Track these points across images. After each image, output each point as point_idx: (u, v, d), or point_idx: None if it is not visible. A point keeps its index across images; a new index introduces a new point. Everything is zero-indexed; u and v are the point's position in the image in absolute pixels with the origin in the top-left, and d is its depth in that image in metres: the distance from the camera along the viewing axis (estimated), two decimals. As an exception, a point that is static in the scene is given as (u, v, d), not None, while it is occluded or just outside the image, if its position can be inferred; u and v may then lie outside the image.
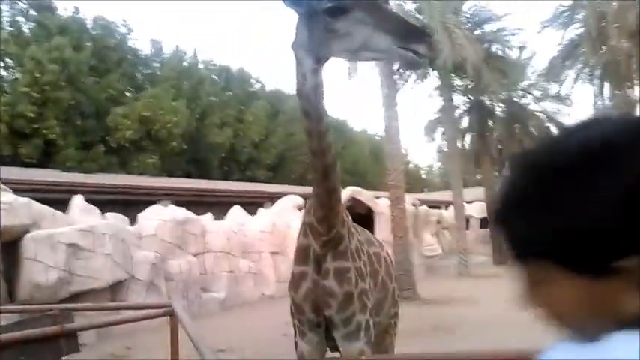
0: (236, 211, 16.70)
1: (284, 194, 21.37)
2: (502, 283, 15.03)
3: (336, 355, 3.25)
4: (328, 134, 2.58)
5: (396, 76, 16.23)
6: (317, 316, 2.89)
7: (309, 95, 2.42)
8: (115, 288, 10.52)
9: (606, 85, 18.57)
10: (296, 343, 3.08)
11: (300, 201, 18.34)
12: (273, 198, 24.46)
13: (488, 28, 19.96)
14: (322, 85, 2.48)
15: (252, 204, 20.30)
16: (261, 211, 17.69)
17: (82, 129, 28.51)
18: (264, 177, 35.97)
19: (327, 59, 2.44)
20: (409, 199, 19.67)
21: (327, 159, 2.58)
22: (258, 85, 42.66)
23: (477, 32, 18.92)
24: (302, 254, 2.91)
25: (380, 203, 18.91)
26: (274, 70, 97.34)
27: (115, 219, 12.08)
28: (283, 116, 39.66)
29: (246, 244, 15.35)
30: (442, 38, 14.19)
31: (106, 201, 14.27)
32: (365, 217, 18.91)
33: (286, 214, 17.36)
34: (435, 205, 28.13)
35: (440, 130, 23.72)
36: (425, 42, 1.99)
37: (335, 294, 2.84)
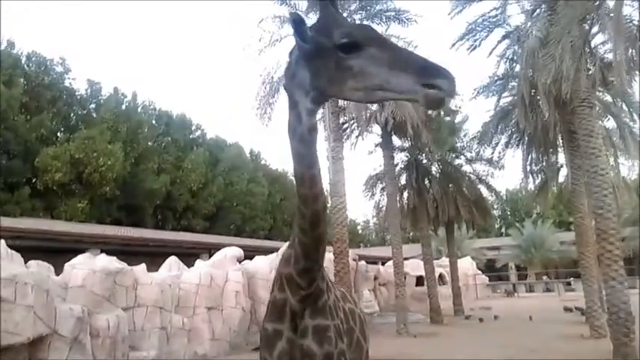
0: (171, 262, 15.91)
1: (222, 245, 20.75)
2: (442, 343, 15.21)
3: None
4: (320, 179, 2.42)
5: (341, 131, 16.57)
6: None
7: (304, 137, 2.28)
8: (36, 344, 9.48)
9: (534, 151, 19.87)
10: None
11: (240, 252, 17.80)
12: (210, 249, 23.69)
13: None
14: (317, 128, 2.36)
15: (188, 255, 19.56)
16: (198, 262, 16.97)
17: (7, 169, 26.65)
18: (201, 227, 34.92)
19: (326, 101, 2.32)
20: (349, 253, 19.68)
21: (318, 205, 2.39)
22: (198, 132, 42.19)
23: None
24: (277, 310, 2.64)
25: (322, 257, 18.74)
26: (216, 118, 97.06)
27: (40, 267, 11.07)
28: (223, 165, 39.22)
29: (181, 298, 14.57)
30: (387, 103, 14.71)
31: (29, 247, 13.22)
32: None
33: (225, 267, 16.73)
34: (372, 261, 28.36)
35: (379, 185, 24.24)
36: (446, 78, 1.85)
37: (314, 355, 2.58)
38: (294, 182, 2.40)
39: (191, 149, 38.00)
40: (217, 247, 19.93)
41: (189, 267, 15.98)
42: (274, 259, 17.99)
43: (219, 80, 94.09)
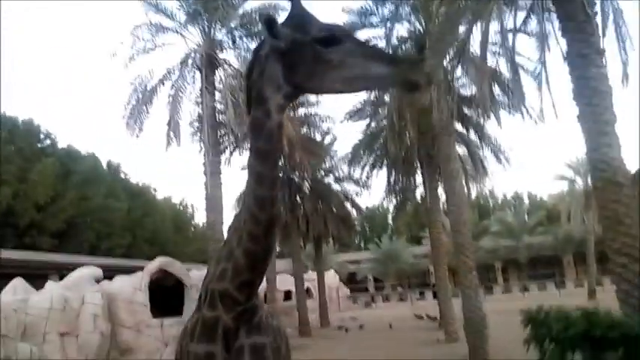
0: (16, 285, 14.08)
1: (75, 265, 18.90)
2: (314, 354, 15.53)
3: None
4: (279, 181, 2.31)
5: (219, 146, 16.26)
6: None
7: (273, 134, 2.17)
8: None
9: (395, 172, 21.52)
10: None
11: (99, 272, 16.39)
12: (61, 269, 21.38)
13: (301, 111, 21.72)
14: (283, 124, 2.27)
15: (34, 276, 17.46)
16: (49, 284, 15.21)
17: None
18: (49, 245, 31.32)
19: (299, 96, 2.28)
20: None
21: (275, 209, 2.27)
22: (48, 141, 38.01)
23: (292, 114, 20.36)
24: (207, 330, 2.43)
25: (192, 275, 17.95)
26: (70, 126, 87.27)
27: None
28: (76, 177, 35.79)
29: (29, 324, 12.93)
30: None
31: None
32: (172, 291, 17.71)
33: (81, 288, 15.25)
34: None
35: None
36: (419, 65, 2.02)
37: None
38: (249, 185, 2.23)
39: (39, 159, 34.05)
40: (69, 267, 18.12)
41: (38, 289, 14.27)
42: (138, 279, 16.85)
43: (75, 85, 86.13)
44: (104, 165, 41.86)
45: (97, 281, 15.92)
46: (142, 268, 18.24)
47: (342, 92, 2.27)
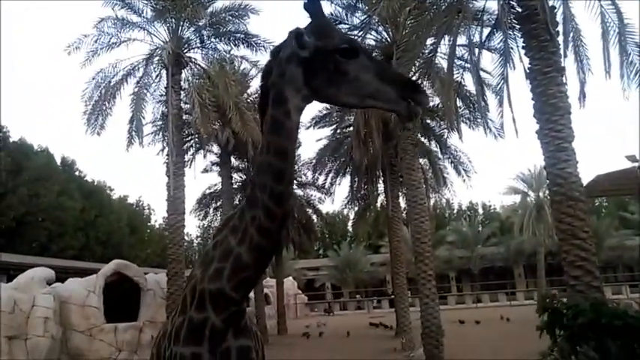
0: (-40, 286, 13.38)
1: (24, 265, 18.13)
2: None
3: None
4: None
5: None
6: None
7: (291, 133, 2.24)
8: None
9: (358, 180, 21.75)
10: None
11: (51, 274, 15.77)
12: (9, 270, 20.46)
13: (267, 115, 21.60)
14: (299, 125, 2.36)
15: (-23, 276, 16.67)
16: (-3, 285, 14.52)
17: None
18: (-6, 244, 29.81)
19: (316, 101, 2.36)
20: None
21: (289, 204, 2.34)
22: (-2, 135, 36.30)
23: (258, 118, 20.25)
24: (193, 332, 2.42)
25: (148, 279, 17.52)
26: (22, 119, 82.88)
27: None
28: (28, 173, 34.27)
29: (-27, 326, 12.30)
30: (235, 118, 14.76)
31: None
32: (127, 294, 17.23)
33: (31, 290, 14.63)
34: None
35: (213, 205, 23.87)
36: (422, 93, 2.15)
37: None
38: (265, 182, 2.27)
39: (-14, 153, 32.49)
40: (18, 268, 17.37)
41: (-16, 290, 13.58)
42: (92, 281, 16.31)
43: (31, 77, 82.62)
44: (58, 161, 40.29)
45: (49, 283, 15.31)
46: (95, 271, 17.67)
47: (353, 106, 2.38)
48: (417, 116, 2.22)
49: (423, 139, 18.58)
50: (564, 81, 8.28)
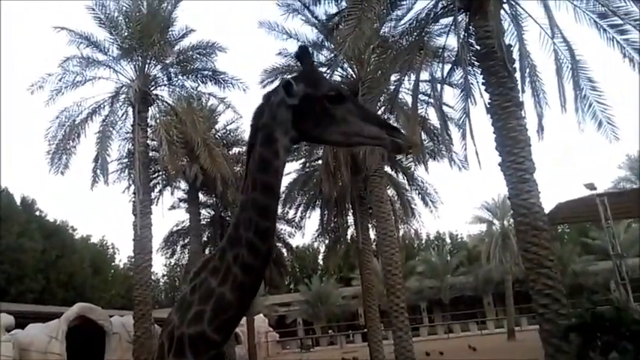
0: None
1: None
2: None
3: None
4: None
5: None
6: None
7: (278, 171, 2.36)
8: None
9: (328, 213, 21.78)
10: None
11: (11, 320, 15.06)
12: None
13: (235, 150, 21.65)
14: (285, 164, 2.50)
15: None
16: (-50, 333, 13.74)
17: None
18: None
19: (303, 141, 2.55)
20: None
21: (273, 240, 2.41)
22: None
23: (226, 152, 20.24)
24: None
25: (114, 322, 16.92)
26: None
27: None
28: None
29: None
30: (203, 154, 14.70)
31: None
32: (92, 339, 16.58)
33: (-12, 337, 13.93)
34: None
35: (180, 242, 23.42)
36: (401, 133, 2.38)
37: None
38: (252, 216, 2.33)
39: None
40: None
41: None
42: (55, 326, 15.66)
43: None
44: (18, 201, 38.93)
45: (8, 330, 14.60)
46: (57, 315, 16.98)
47: (340, 145, 2.67)
48: (402, 150, 2.43)
49: (390, 171, 18.88)
50: (523, 115, 8.64)
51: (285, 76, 16.03)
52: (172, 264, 26.08)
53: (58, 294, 36.31)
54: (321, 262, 58.06)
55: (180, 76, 16.22)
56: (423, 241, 62.07)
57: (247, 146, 2.58)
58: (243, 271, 2.34)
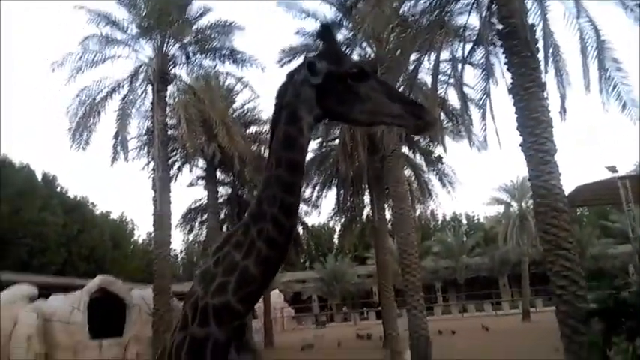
0: (-59, 305, 13.12)
1: (6, 282, 17.81)
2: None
3: None
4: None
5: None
6: None
7: (303, 148, 2.37)
8: None
9: (344, 192, 21.84)
10: None
11: (34, 291, 15.54)
12: (-11, 287, 20.06)
13: (253, 129, 21.73)
14: (310, 141, 2.51)
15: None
16: (-22, 304, 14.25)
17: None
18: (-26, 261, 29.13)
19: (326, 119, 2.52)
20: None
21: (296, 218, 2.45)
22: (-24, 151, 35.68)
23: (244, 131, 20.33)
24: (195, 347, 2.41)
25: (134, 294, 17.34)
26: (3, 134, 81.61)
27: None
28: (9, 190, 33.69)
29: (-46, 347, 12.07)
30: (221, 133, 14.78)
31: None
32: (112, 310, 17.03)
33: (14, 308, 14.43)
34: (182, 297, 27.18)
35: (198, 219, 23.76)
36: (427, 112, 2.28)
37: None
38: (277, 193, 2.36)
39: (-35, 170, 31.90)
40: (1, 285, 17.05)
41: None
42: (76, 297, 16.11)
43: (13, 93, 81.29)
44: (39, 177, 39.69)
45: (32, 300, 15.09)
46: (78, 287, 17.46)
47: (362, 123, 2.53)
48: (426, 132, 2.46)
49: (408, 152, 18.79)
50: (545, 96, 8.50)
51: (303, 55, 15.95)
52: (190, 240, 26.47)
53: (79, 267, 37.20)
54: (336, 241, 58.35)
55: (198, 55, 16.21)
56: (439, 222, 61.99)
57: (271, 124, 2.57)
58: (268, 246, 2.37)
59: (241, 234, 2.57)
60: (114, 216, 50.93)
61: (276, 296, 37.37)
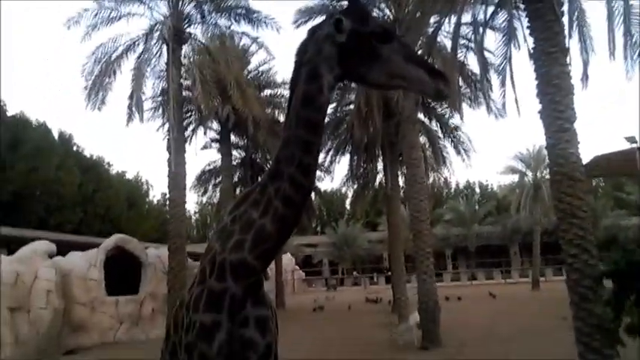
0: (-38, 259, 13.53)
1: (23, 238, 18.27)
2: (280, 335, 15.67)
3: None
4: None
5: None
6: None
7: (322, 107, 2.36)
8: None
9: (358, 158, 21.80)
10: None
11: (52, 248, 15.90)
12: (8, 243, 20.58)
13: (267, 92, 21.57)
14: (329, 101, 2.48)
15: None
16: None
17: None
18: (-7, 217, 29.85)
19: (346, 80, 2.48)
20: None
21: (314, 178, 2.45)
22: (-6, 108, 36.00)
23: (258, 94, 20.19)
24: (213, 301, 2.50)
25: (150, 254, 17.70)
26: (19, 93, 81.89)
27: None
28: (26, 148, 34.13)
29: (-24, 298, 12.51)
30: (235, 95, 14.71)
31: None
32: (128, 268, 17.44)
33: (33, 263, 14.81)
34: (196, 258, 27.77)
35: (212, 181, 23.97)
36: (446, 78, 2.24)
37: (257, 345, 2.56)
38: (296, 152, 2.36)
39: (-17, 127, 32.26)
40: (19, 241, 17.49)
41: (-14, 264, 13.73)
42: (93, 255, 16.49)
43: (29, 51, 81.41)
44: (56, 136, 40.08)
45: (50, 256, 15.46)
46: (94, 245, 17.84)
47: (382, 86, 2.49)
48: (444, 98, 2.36)
49: (424, 117, 18.58)
50: (568, 61, 8.27)
51: (320, 16, 15.63)
52: (204, 202, 26.88)
53: (94, 226, 37.94)
54: (348, 207, 58.66)
55: (213, 14, 15.97)
56: (452, 190, 61.85)
57: (290, 83, 2.54)
58: (285, 205, 2.40)
59: (259, 192, 2.59)
60: (129, 176, 51.56)
61: (287, 259, 37.91)
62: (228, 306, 2.50)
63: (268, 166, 24.81)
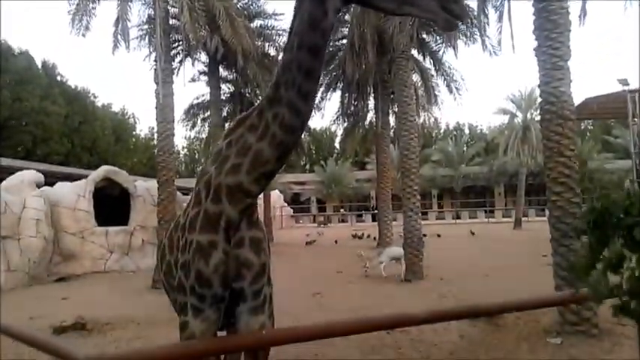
0: (-50, 188, 13.47)
1: (10, 168, 18.14)
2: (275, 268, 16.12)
3: (224, 333, 3.03)
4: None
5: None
6: (224, 290, 2.64)
7: (326, 32, 2.29)
8: None
9: (349, 95, 21.55)
10: (183, 324, 2.72)
11: (40, 177, 15.84)
12: (-5, 173, 20.47)
13: (257, 22, 20.86)
14: (334, 26, 2.41)
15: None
16: (-13, 188, 14.61)
17: None
18: (-22, 147, 29.52)
19: (352, 3, 2.40)
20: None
21: (312, 104, 2.46)
22: (-26, 35, 34.64)
23: (248, 24, 19.50)
24: (209, 222, 2.60)
25: (139, 186, 17.73)
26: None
27: None
28: (9, 77, 33.20)
29: (-35, 226, 12.58)
30: (224, 25, 14.20)
31: None
32: (117, 200, 17.51)
33: (21, 192, 14.79)
34: (185, 192, 27.91)
35: (200, 115, 23.67)
36: (460, 4, 2.13)
37: (252, 264, 2.67)
38: (296, 77, 2.31)
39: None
40: (7, 171, 17.38)
41: (-26, 193, 13.69)
42: (82, 186, 16.48)
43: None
44: (39, 65, 38.92)
45: (38, 186, 15.43)
46: (82, 177, 17.81)
47: (389, 11, 2.37)
48: (455, 28, 2.29)
49: (417, 54, 18.22)
50: (567, -3, 8.04)
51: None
52: (192, 137, 26.63)
53: (82, 158, 37.77)
54: (337, 146, 58.68)
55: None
56: (442, 131, 61.93)
57: (295, 4, 2.46)
58: (283, 130, 2.41)
59: (256, 117, 2.57)
60: (115, 109, 50.75)
61: (276, 196, 38.31)
62: (224, 227, 2.58)
63: (258, 101, 24.53)
